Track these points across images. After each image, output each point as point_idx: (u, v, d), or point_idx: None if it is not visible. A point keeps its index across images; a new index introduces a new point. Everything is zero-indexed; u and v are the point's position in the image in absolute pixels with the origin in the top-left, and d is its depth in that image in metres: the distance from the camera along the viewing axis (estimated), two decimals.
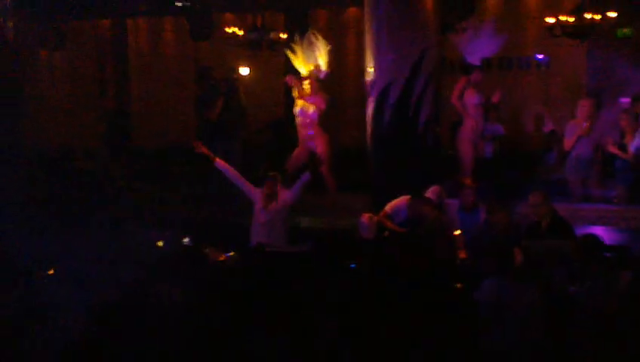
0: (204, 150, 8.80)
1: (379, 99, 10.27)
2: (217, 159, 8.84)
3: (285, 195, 8.66)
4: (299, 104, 10.40)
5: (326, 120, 10.61)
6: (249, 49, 13.75)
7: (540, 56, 13.08)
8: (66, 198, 10.01)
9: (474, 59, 10.42)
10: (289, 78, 10.54)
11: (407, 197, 8.48)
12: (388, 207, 8.63)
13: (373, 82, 10.33)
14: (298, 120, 10.51)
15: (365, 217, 8.68)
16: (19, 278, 6.04)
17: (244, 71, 13.34)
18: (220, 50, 14.12)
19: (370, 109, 10.44)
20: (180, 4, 14.05)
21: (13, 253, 6.54)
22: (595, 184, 10.18)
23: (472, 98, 10.39)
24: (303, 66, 10.41)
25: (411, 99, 10.18)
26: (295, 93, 10.48)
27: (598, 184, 10.20)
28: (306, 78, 10.38)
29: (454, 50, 10.86)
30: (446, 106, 10.90)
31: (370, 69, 10.37)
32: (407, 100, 10.17)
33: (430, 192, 8.60)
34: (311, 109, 10.24)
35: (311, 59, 10.39)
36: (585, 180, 10.11)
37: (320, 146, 10.33)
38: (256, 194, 8.73)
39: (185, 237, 7.83)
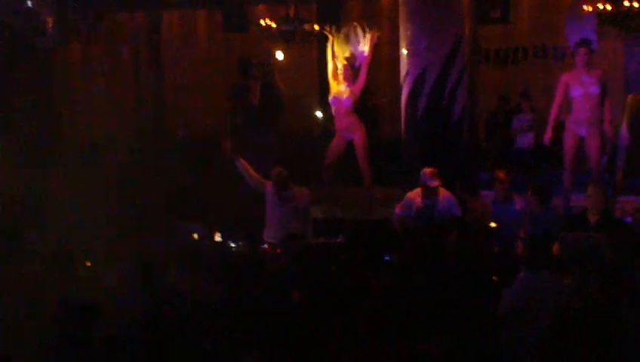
0: (232, 149, 8.84)
1: (413, 89, 10.15)
2: (241, 159, 8.83)
3: (303, 195, 8.66)
4: (332, 92, 10.27)
5: (361, 111, 10.50)
6: (282, 41, 13.72)
7: None
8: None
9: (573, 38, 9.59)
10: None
11: (417, 189, 8.45)
12: (398, 208, 8.61)
13: (407, 72, 10.25)
14: (332, 109, 10.41)
15: (398, 209, 8.68)
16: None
17: (279, 55, 13.25)
18: (253, 42, 14.13)
19: (404, 99, 10.36)
20: None
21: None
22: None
23: (574, 90, 9.14)
24: (340, 53, 10.26)
25: (446, 88, 10.04)
26: (332, 79, 10.31)
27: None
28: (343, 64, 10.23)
29: (488, 40, 10.72)
30: (481, 97, 10.78)
31: (404, 59, 10.29)
32: (441, 90, 10.03)
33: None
34: (344, 96, 10.10)
35: (348, 49, 10.25)
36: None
37: (357, 137, 10.22)
38: (268, 188, 8.73)
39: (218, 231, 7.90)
